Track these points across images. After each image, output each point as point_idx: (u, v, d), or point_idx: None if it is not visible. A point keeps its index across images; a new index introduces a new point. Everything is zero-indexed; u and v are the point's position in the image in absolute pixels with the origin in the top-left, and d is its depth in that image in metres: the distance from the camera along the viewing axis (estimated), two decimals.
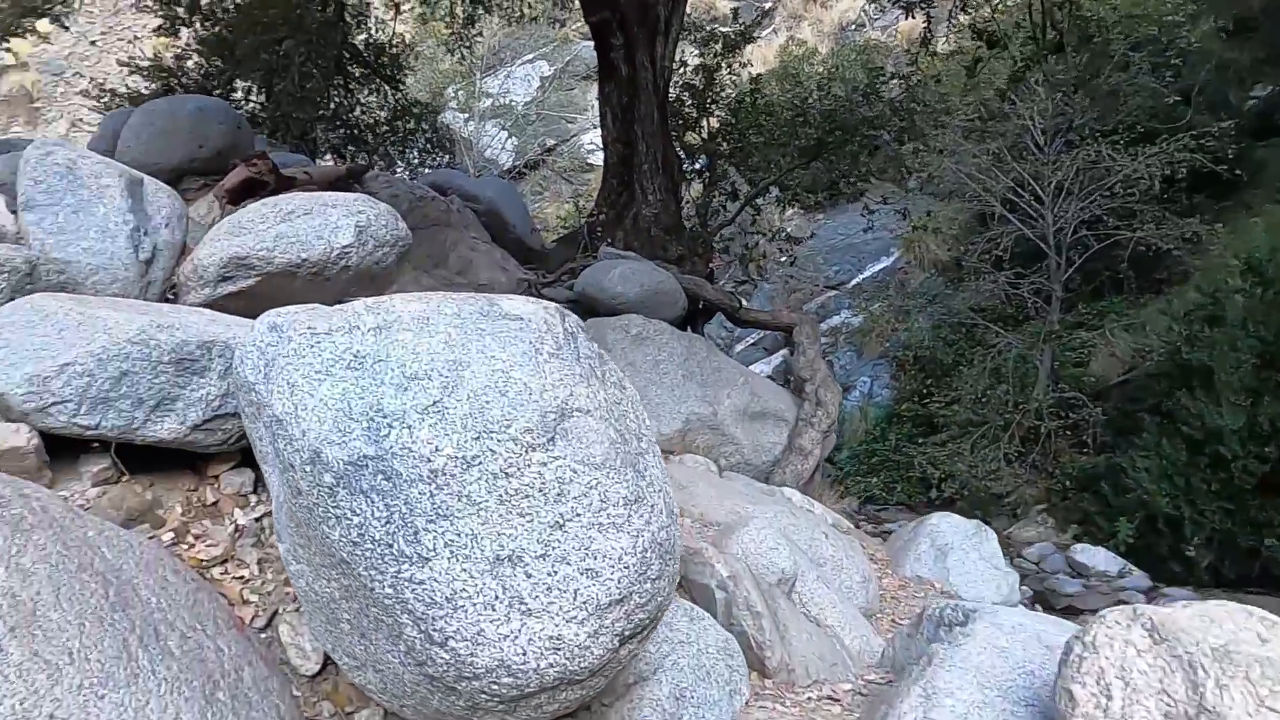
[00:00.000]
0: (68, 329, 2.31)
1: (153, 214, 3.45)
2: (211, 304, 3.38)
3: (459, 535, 1.44)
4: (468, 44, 10.89)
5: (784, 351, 12.43)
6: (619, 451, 1.55)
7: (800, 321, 7.05)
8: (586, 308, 6.85)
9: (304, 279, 3.46)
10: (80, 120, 13.42)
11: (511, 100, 16.06)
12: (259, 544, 2.33)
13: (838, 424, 7.00)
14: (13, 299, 2.66)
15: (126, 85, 9.35)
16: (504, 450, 1.45)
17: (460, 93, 16.18)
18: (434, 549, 1.43)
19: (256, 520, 2.41)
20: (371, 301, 1.67)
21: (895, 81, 9.71)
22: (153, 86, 9.08)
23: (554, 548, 1.47)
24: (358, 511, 1.47)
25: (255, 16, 8.13)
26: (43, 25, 9.55)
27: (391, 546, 1.45)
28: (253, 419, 2.26)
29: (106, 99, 9.13)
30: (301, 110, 8.35)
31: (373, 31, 9.94)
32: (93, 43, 14.92)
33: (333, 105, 9.39)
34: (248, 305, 3.53)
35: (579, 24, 14.02)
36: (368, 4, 10.10)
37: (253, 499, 2.51)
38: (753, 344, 12.08)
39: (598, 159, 15.05)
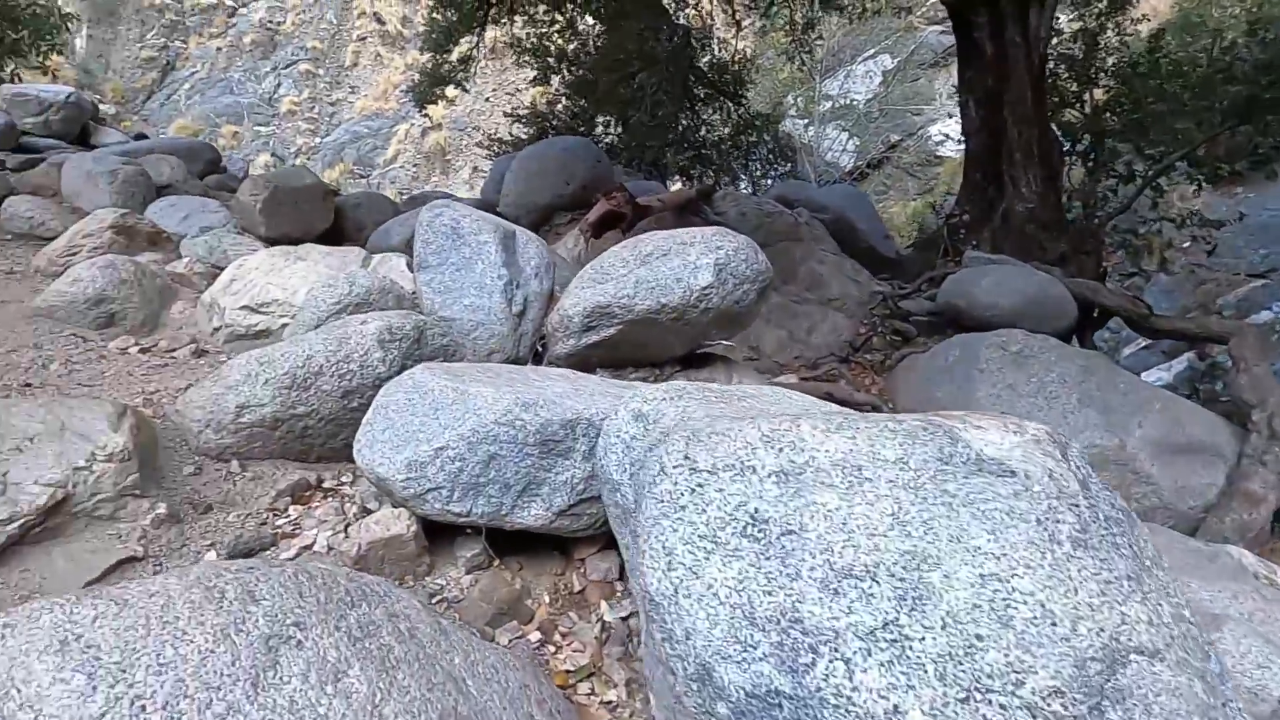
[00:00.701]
0: (442, 408, 2.14)
1: (523, 265, 3.35)
2: (576, 353, 3.19)
3: None
4: (807, 49, 10.25)
5: (1189, 355, 9.99)
6: None
7: (1239, 332, 5.34)
8: (951, 321, 5.88)
9: (664, 324, 3.12)
10: (478, 168, 15.27)
11: (852, 99, 15.04)
12: (626, 656, 1.95)
13: None
14: (404, 366, 2.63)
15: (510, 133, 10.19)
16: None
17: (800, 99, 15.57)
18: None
19: (623, 620, 2.04)
20: (770, 426, 1.13)
21: None
22: (530, 131, 9.78)
23: None
24: None
25: (611, 54, 8.30)
26: (449, 91, 10.82)
27: None
28: (619, 522, 1.88)
29: (495, 147, 10.03)
30: (654, 138, 8.37)
31: (716, 51, 9.75)
32: (487, 99, 16.95)
33: (680, 128, 9.35)
34: (609, 354, 3.31)
35: (923, 9, 12.64)
36: (710, 26, 9.94)
37: (619, 588, 2.16)
38: (1145, 347, 9.87)
39: (947, 150, 13.51)
